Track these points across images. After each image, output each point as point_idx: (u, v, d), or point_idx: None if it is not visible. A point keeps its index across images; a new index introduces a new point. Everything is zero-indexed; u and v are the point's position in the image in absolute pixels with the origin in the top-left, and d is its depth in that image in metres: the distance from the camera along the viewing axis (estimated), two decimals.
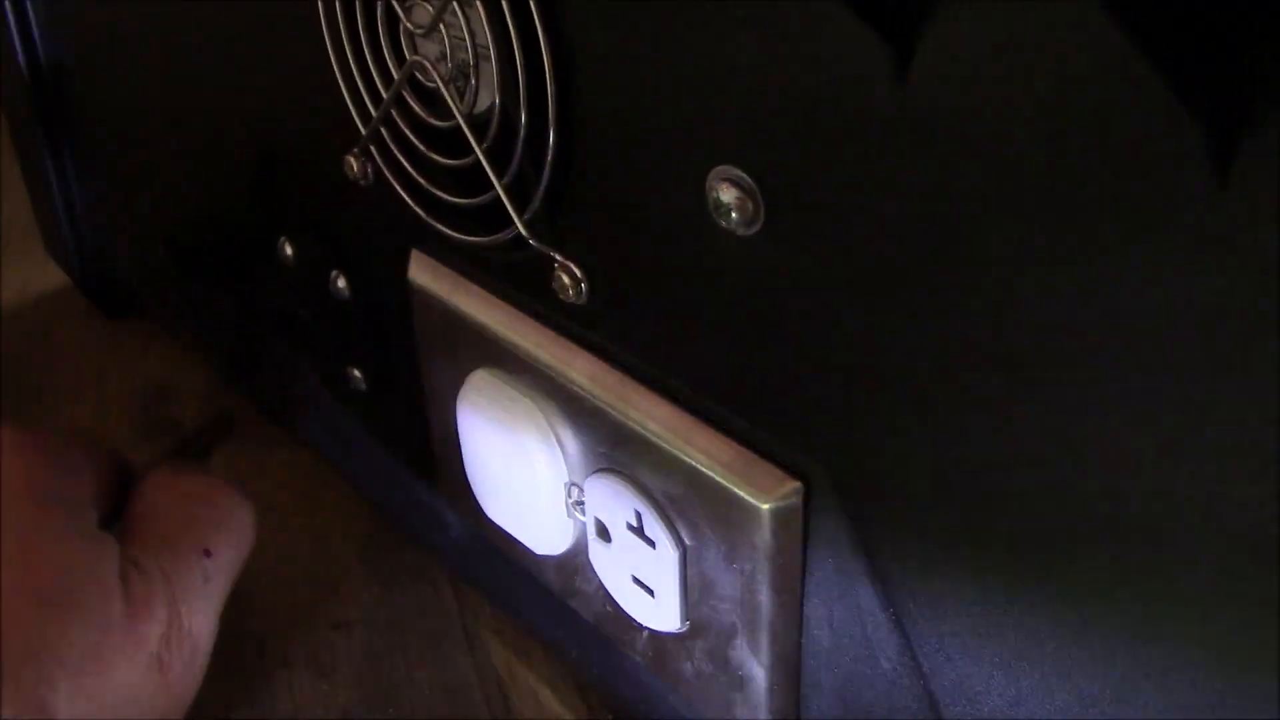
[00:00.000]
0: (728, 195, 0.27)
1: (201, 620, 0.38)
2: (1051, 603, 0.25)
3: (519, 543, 0.40)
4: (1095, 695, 0.25)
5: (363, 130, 0.38)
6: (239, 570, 0.41)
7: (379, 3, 0.35)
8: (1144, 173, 0.20)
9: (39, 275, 0.72)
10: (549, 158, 0.31)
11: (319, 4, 0.36)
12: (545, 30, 0.30)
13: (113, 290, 0.66)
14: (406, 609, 0.50)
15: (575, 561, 0.39)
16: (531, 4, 0.29)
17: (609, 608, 0.38)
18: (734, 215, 0.27)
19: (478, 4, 0.31)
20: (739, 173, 0.27)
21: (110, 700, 0.34)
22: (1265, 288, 0.19)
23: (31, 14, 0.57)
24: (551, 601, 0.42)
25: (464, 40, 0.32)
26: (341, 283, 0.44)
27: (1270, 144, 0.18)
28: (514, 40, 0.30)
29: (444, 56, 0.33)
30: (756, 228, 0.27)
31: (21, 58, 0.58)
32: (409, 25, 0.34)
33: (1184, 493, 0.22)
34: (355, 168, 0.39)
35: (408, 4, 0.34)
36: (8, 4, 0.58)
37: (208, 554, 0.38)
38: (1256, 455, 0.20)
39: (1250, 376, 0.20)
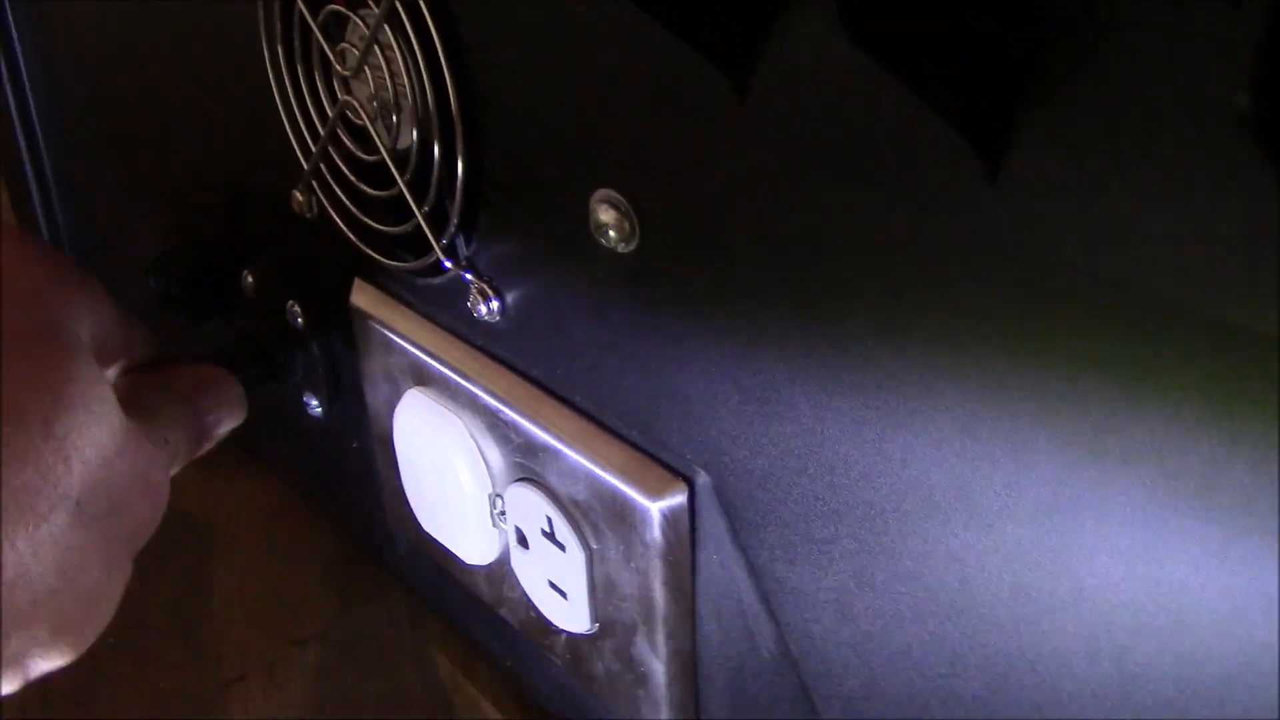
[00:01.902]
0: (606, 215, 0.30)
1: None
2: (902, 584, 0.28)
3: (453, 555, 0.42)
4: (939, 668, 0.28)
5: (305, 166, 0.41)
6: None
7: (314, 49, 0.38)
8: (925, 184, 0.23)
9: None
10: (459, 188, 0.34)
11: (265, 52, 0.40)
12: (451, 74, 0.33)
13: None
14: (361, 625, 0.52)
15: (502, 570, 0.41)
16: (439, 51, 0.32)
17: (532, 614, 0.40)
18: (612, 234, 0.30)
19: (397, 50, 0.34)
20: (616, 195, 0.30)
21: (92, 457, 0.33)
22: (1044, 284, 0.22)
23: (22, 66, 0.61)
24: (490, 612, 0.44)
25: (386, 82, 0.35)
26: (296, 311, 0.47)
27: (1035, 141, 0.21)
28: (426, 82, 0.33)
29: (372, 97, 0.36)
30: (633, 245, 0.30)
31: (13, 104, 0.62)
32: (339, 69, 0.37)
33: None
34: (300, 201, 0.42)
35: (339, 49, 0.37)
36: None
37: (165, 442, 0.39)
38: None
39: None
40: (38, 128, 0.63)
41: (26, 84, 0.62)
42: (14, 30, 0.59)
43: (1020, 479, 0.24)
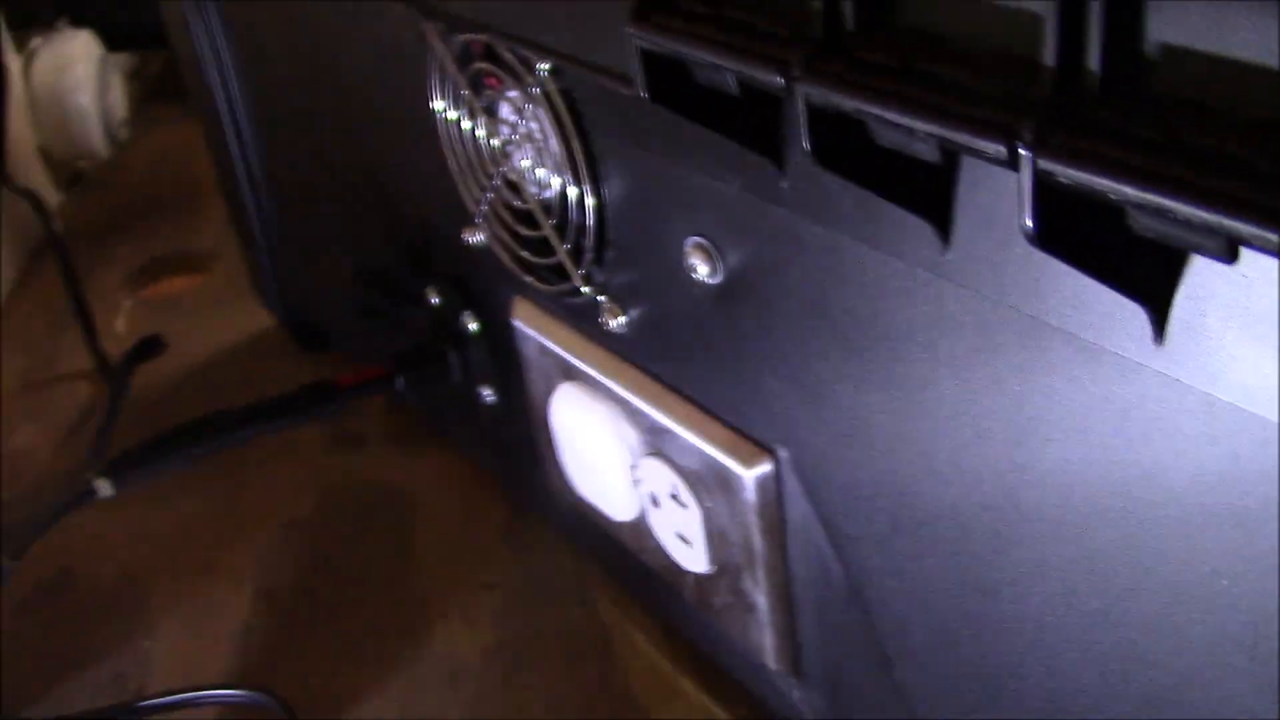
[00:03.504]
0: (697, 256, 0.40)
1: None
2: (922, 528, 0.37)
3: (603, 513, 0.53)
4: (954, 590, 0.37)
5: (473, 213, 0.51)
6: None
7: (479, 121, 0.48)
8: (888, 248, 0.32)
9: (253, 318, 0.88)
10: (590, 232, 0.44)
11: (439, 125, 0.50)
12: (581, 146, 0.43)
13: (309, 329, 0.82)
14: (537, 574, 0.63)
15: (642, 525, 0.51)
16: (570, 129, 0.42)
17: (666, 559, 0.50)
18: (702, 269, 0.40)
19: (541, 127, 0.44)
20: (705, 240, 0.39)
21: None
22: None
23: (243, 121, 0.73)
24: (635, 559, 0.55)
25: (536, 150, 0.46)
26: (471, 321, 0.58)
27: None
28: (561, 152, 0.43)
29: (527, 160, 0.47)
30: (719, 278, 0.40)
31: (239, 156, 0.74)
32: (494, 145, 0.47)
33: None
34: (473, 238, 0.53)
35: (499, 123, 0.47)
36: (225, 113, 0.74)
37: None
38: None
39: None
40: (257, 172, 0.76)
41: (246, 130, 0.74)
42: (236, 89, 0.72)
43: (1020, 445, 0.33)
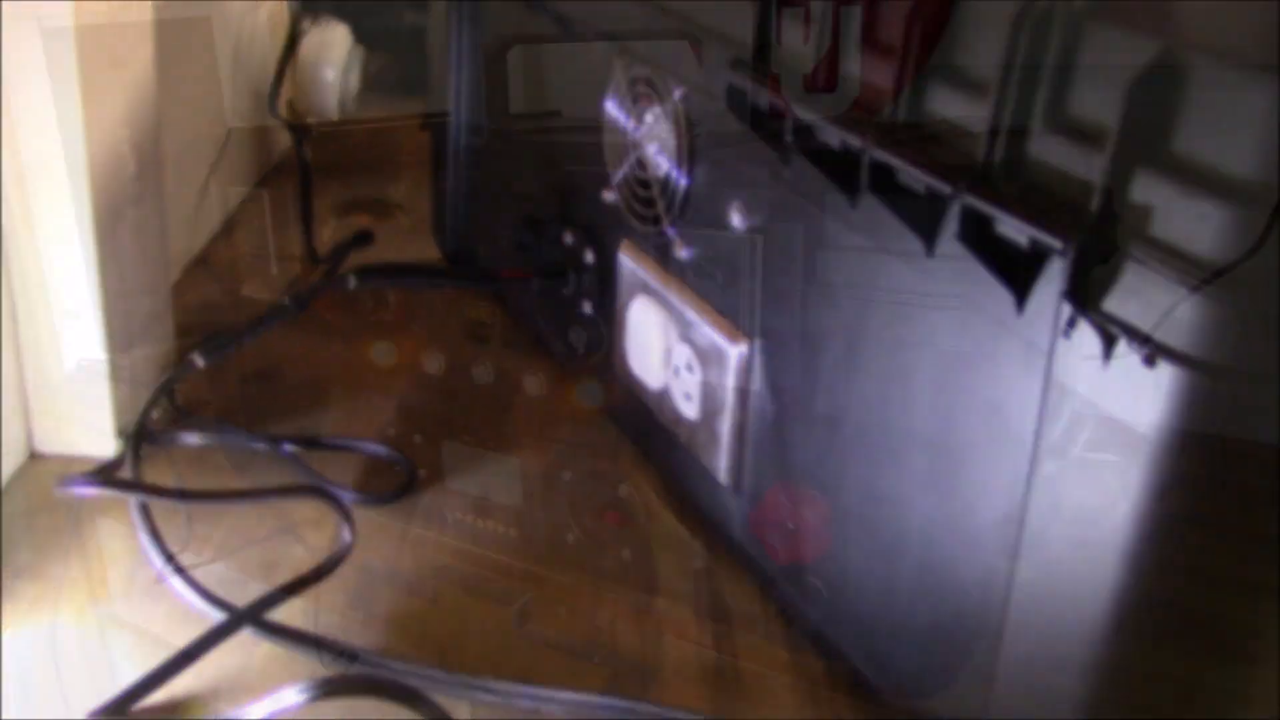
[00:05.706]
0: (735, 213, 0.70)
1: None
2: (823, 398, 0.66)
3: (645, 383, 0.83)
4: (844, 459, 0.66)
5: (613, 179, 0.83)
6: None
7: (630, 126, 0.80)
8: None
9: (423, 252, 1.20)
10: (679, 196, 0.75)
11: (605, 126, 0.82)
12: (687, 147, 0.74)
13: (466, 263, 1.14)
14: (587, 438, 0.94)
15: (665, 391, 0.81)
16: (683, 133, 0.74)
17: (674, 414, 0.80)
18: (736, 220, 0.70)
19: (669, 134, 0.75)
20: (740, 204, 0.70)
21: None
22: None
23: (463, 100, 1.06)
24: (655, 421, 0.84)
25: (659, 143, 0.77)
26: (589, 254, 0.89)
27: None
28: (676, 147, 0.75)
29: (653, 148, 0.78)
30: (743, 227, 0.70)
31: (455, 127, 1.07)
32: (636, 138, 0.79)
33: None
34: (609, 196, 0.84)
35: (644, 120, 0.79)
36: (452, 90, 1.07)
37: None
38: None
39: None
40: (463, 141, 1.08)
41: (463, 108, 1.07)
42: (465, 74, 1.05)
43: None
